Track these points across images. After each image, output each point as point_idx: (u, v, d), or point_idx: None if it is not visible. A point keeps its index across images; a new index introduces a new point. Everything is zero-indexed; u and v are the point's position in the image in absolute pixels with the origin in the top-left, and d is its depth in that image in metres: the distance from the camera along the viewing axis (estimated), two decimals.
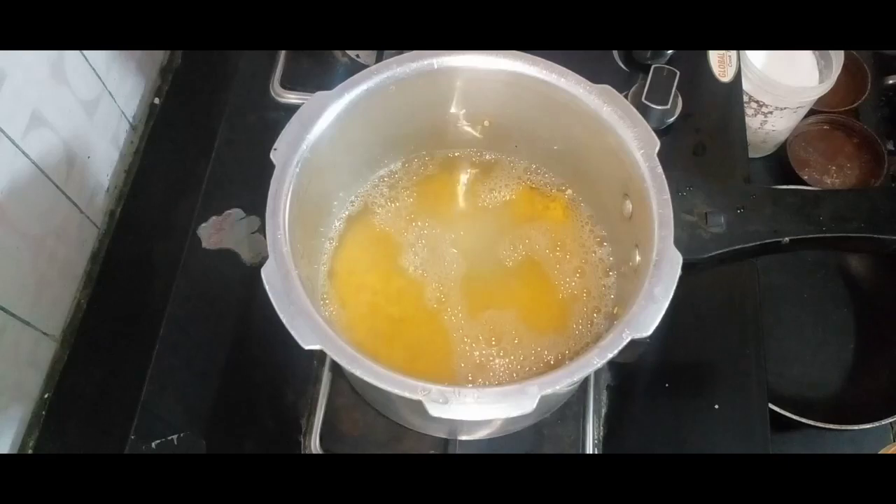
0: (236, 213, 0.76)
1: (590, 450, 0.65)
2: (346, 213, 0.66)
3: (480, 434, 0.65)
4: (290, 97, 0.82)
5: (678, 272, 0.51)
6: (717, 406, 0.67)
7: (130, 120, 0.89)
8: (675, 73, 0.78)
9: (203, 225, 0.76)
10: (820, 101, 0.99)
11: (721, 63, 0.85)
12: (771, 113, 0.97)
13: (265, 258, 0.51)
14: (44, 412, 0.75)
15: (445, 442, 0.65)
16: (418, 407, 0.48)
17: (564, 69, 0.58)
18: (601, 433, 0.67)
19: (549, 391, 0.48)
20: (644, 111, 0.76)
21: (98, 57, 0.81)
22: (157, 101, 0.93)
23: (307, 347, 0.49)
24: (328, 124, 0.57)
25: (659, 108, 0.77)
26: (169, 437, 0.67)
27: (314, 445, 0.66)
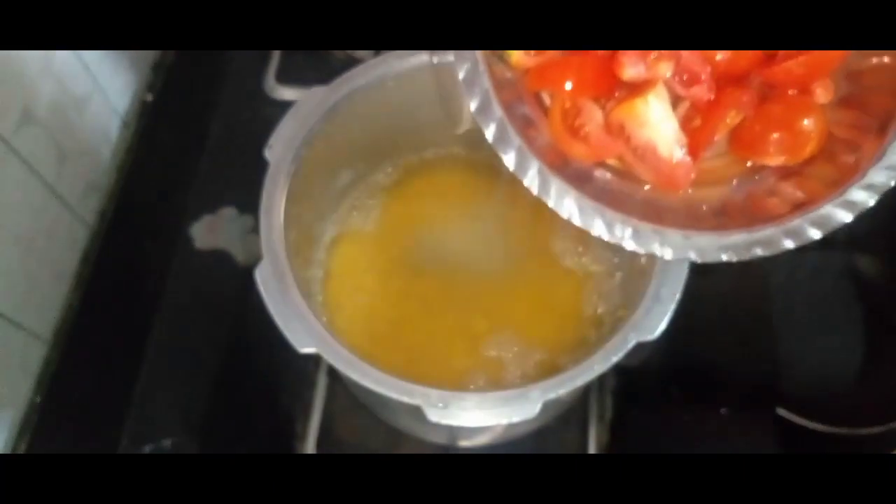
0: (230, 211, 0.75)
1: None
2: (343, 212, 0.65)
3: (481, 440, 0.64)
4: (285, 93, 0.81)
5: (685, 273, 0.50)
6: (723, 411, 0.66)
7: (122, 117, 0.88)
8: None
9: (196, 224, 0.75)
10: None
11: None
12: None
13: (259, 259, 0.51)
14: (35, 416, 0.73)
15: (445, 449, 0.64)
16: (417, 412, 0.47)
17: None
18: (605, 439, 0.65)
19: (552, 396, 0.47)
20: None
21: (89, 53, 0.80)
22: (149, 97, 0.92)
23: (302, 351, 0.48)
24: (324, 121, 0.56)
25: None
26: (161, 442, 0.66)
27: (310, 451, 0.65)
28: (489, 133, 0.41)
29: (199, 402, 0.67)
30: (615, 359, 0.48)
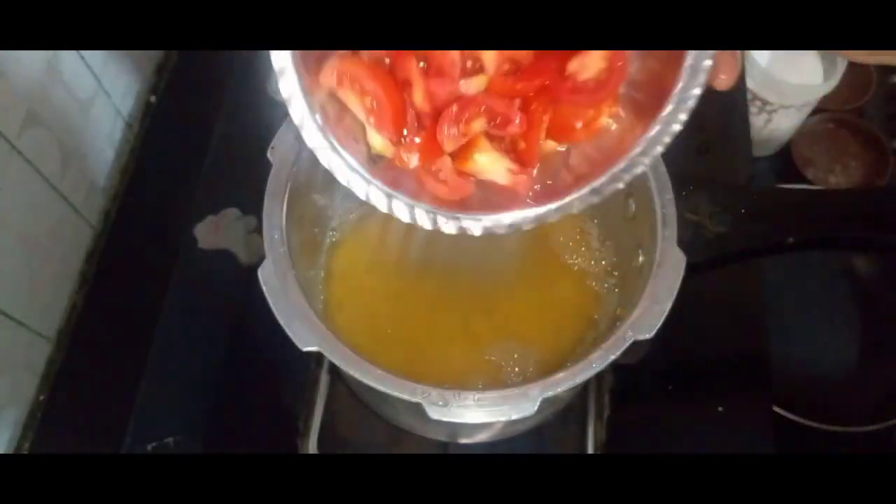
0: (233, 212, 0.75)
1: (591, 452, 0.65)
2: (344, 212, 0.65)
3: (480, 437, 0.64)
4: None
5: (682, 273, 0.51)
6: (720, 409, 0.66)
7: (126, 118, 0.89)
8: None
9: (199, 224, 0.75)
10: (825, 99, 0.98)
11: None
12: (775, 111, 0.96)
13: (262, 258, 0.51)
14: (39, 414, 0.74)
15: (445, 445, 0.65)
16: (418, 409, 0.48)
17: None
18: (603, 436, 0.66)
19: (550, 394, 0.47)
20: None
21: (93, 55, 0.80)
22: (152, 99, 0.92)
23: (305, 349, 0.48)
24: None
25: None
26: (165, 440, 0.66)
27: (311, 448, 0.65)
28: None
29: (201, 400, 0.68)
30: (613, 357, 0.48)
